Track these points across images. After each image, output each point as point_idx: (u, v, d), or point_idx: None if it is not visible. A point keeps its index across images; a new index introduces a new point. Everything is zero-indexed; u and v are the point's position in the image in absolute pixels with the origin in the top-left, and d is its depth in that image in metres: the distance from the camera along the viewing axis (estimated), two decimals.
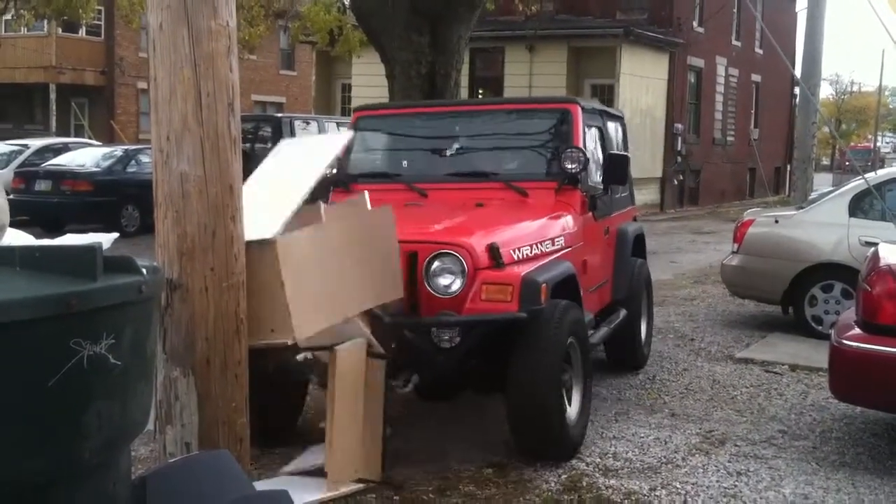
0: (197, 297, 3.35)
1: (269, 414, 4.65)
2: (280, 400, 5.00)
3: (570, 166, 5.57)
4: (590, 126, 6.23)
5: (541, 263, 5.01)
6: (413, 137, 6.38)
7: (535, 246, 5.12)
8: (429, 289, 4.70)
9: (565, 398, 4.90)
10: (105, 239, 2.68)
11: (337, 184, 6.03)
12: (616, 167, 6.05)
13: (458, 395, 5.43)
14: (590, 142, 6.18)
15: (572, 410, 5.05)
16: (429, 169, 6.11)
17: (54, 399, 2.28)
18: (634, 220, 7.45)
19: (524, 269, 4.80)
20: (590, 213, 5.95)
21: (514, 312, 4.61)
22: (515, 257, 4.91)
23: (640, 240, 7.26)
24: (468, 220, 5.25)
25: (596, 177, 6.14)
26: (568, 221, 5.63)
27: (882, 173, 8.74)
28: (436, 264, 4.71)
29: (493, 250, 4.76)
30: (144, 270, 2.60)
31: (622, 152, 6.52)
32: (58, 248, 2.52)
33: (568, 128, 5.92)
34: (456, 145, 6.15)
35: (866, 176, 8.20)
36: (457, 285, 4.67)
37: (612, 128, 6.96)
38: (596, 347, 6.02)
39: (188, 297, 3.35)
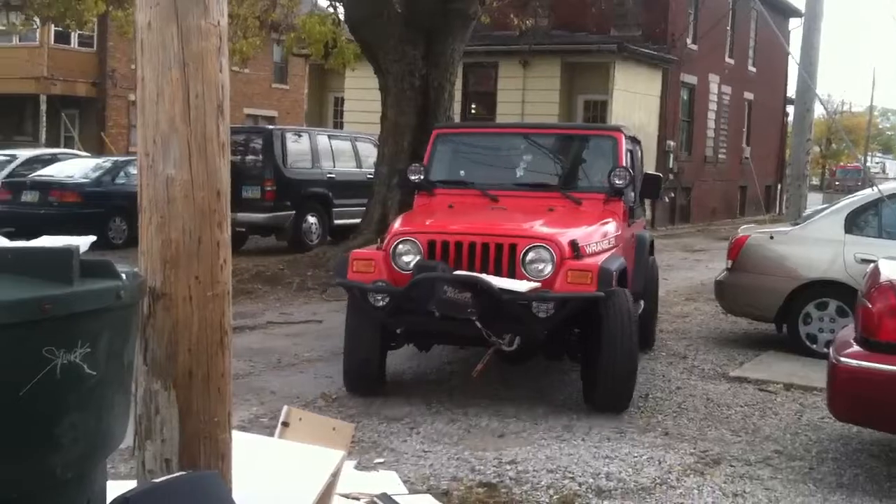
0: (180, 306, 3.22)
1: None
2: None
3: (618, 182, 7.09)
4: (627, 150, 7.61)
5: (605, 257, 6.26)
6: (484, 152, 7.94)
7: (598, 243, 6.44)
8: (525, 273, 6.01)
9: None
10: (82, 242, 2.56)
11: (420, 188, 7.49)
12: (652, 185, 8.13)
13: (530, 359, 6.81)
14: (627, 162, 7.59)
15: None
16: (497, 179, 7.55)
17: (24, 410, 2.16)
18: (644, 228, 8.66)
19: (598, 260, 6.14)
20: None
21: (595, 292, 5.90)
22: (588, 251, 6.23)
23: (651, 244, 8.58)
24: (549, 221, 6.60)
25: (629, 192, 7.45)
26: (615, 226, 6.91)
27: (886, 187, 8.53)
28: (531, 254, 6.05)
29: (574, 245, 6.14)
30: (123, 276, 2.49)
31: (655, 173, 8.44)
32: (32, 249, 2.40)
33: (615, 150, 7.47)
34: (522, 161, 7.73)
35: (871, 189, 8.13)
36: (548, 270, 6.00)
37: (636, 150, 8.37)
38: None
39: (171, 305, 3.21)
